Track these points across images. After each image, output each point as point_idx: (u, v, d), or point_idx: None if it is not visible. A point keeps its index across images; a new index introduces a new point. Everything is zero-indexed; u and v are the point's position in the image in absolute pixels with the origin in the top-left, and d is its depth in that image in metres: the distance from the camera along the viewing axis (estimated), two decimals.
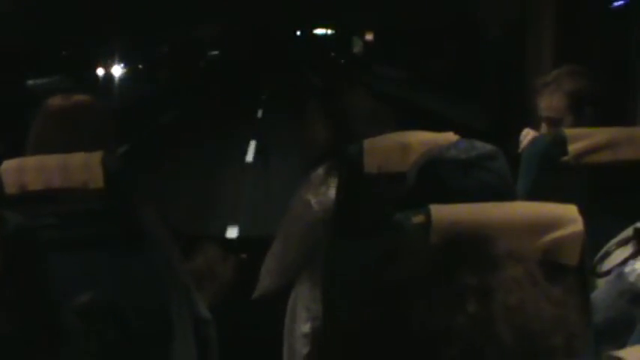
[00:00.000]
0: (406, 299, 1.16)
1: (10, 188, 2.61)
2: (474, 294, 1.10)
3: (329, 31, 54.10)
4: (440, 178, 2.00)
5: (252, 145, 16.30)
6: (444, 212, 1.79)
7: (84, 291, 2.50)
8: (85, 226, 2.63)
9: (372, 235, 2.03)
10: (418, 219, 1.80)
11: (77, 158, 2.61)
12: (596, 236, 2.06)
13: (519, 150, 3.44)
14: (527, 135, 3.45)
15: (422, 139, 2.70)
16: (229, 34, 52.35)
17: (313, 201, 3.02)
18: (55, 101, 2.82)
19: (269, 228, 3.87)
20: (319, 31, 57.22)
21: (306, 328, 3.15)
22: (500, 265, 1.13)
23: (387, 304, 1.20)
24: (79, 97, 2.85)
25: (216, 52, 51.50)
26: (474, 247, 1.18)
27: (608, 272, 2.23)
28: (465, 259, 1.15)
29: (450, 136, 2.68)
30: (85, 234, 2.63)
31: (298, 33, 62.59)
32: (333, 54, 44.81)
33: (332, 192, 2.99)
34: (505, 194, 1.95)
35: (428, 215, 1.78)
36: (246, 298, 3.47)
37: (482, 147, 2.03)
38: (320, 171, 3.08)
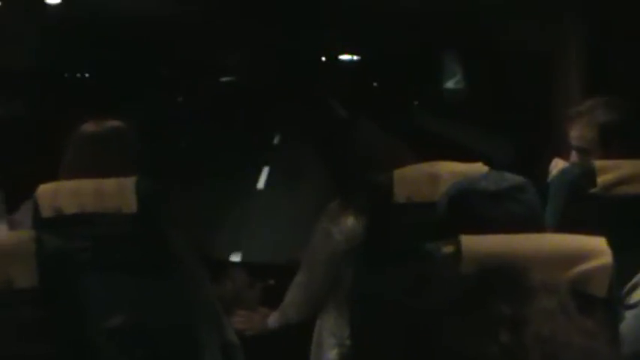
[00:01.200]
0: (437, 328, 1.16)
1: (46, 211, 2.66)
2: (507, 324, 1.10)
3: (355, 57, 53.06)
4: (470, 209, 2.01)
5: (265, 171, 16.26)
6: (474, 242, 1.80)
7: (115, 312, 2.55)
8: (118, 249, 2.67)
9: (401, 263, 2.06)
10: (448, 249, 1.81)
11: (111, 183, 2.66)
12: (625, 268, 2.07)
13: (548, 180, 3.44)
14: (557, 165, 3.44)
15: (451, 169, 2.72)
16: (251, 59, 52.12)
17: (334, 230, 3.05)
18: (89, 127, 2.86)
19: None
20: (345, 57, 56.45)
21: (332, 354, 3.17)
22: (535, 296, 1.13)
23: (417, 332, 1.20)
24: (112, 123, 2.90)
25: (230, 78, 50.34)
26: (508, 277, 1.18)
27: (636, 304, 2.23)
28: (499, 289, 1.15)
29: (480, 167, 2.70)
30: (117, 257, 2.67)
31: (323, 59, 62.14)
32: (358, 82, 43.93)
33: (352, 221, 3.01)
34: (534, 225, 1.96)
35: (458, 245, 1.79)
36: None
37: (512, 178, 2.05)
38: (339, 201, 3.11)
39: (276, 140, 23.28)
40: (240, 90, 45.00)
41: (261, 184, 15.23)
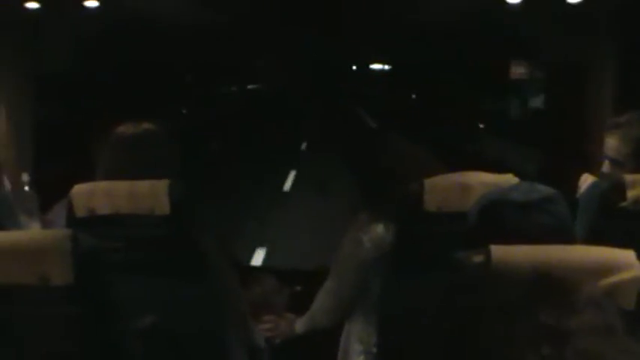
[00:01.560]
0: (473, 337, 1.15)
1: (80, 211, 2.69)
2: (550, 337, 1.07)
3: (386, 67, 52.26)
4: (500, 219, 2.02)
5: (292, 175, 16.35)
6: (504, 253, 1.81)
7: (145, 313, 2.58)
8: (149, 250, 2.70)
9: (431, 272, 2.07)
10: (478, 259, 1.82)
11: (145, 185, 2.69)
12: None
13: (578, 195, 3.44)
14: (586, 180, 3.44)
15: (482, 179, 2.72)
16: (281, 67, 51.87)
17: (365, 238, 3.06)
18: (125, 129, 2.90)
19: None
20: (376, 66, 55.72)
21: None
22: (580, 310, 1.11)
23: (449, 341, 1.20)
24: (147, 125, 2.93)
25: (255, 86, 49.58)
26: (553, 288, 1.15)
27: None
28: (542, 300, 1.12)
29: (510, 178, 2.70)
30: (148, 258, 2.69)
31: (354, 68, 61.68)
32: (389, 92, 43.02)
33: (381, 229, 3.03)
34: (564, 237, 1.97)
35: (488, 255, 1.81)
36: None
37: (543, 190, 2.06)
38: (370, 209, 3.12)
39: (303, 147, 23.27)
40: (268, 97, 44.97)
41: (287, 189, 15.37)
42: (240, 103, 36.59)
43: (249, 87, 43.95)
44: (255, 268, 4.33)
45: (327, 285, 3.27)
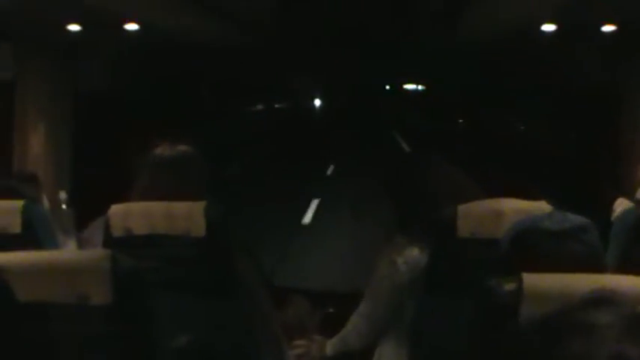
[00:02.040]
0: None
1: (117, 231, 2.73)
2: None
3: (419, 87, 51.51)
4: (533, 247, 2.03)
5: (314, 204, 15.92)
6: (535, 281, 1.83)
7: (180, 333, 2.61)
8: (185, 271, 2.72)
9: (464, 298, 2.08)
10: (510, 286, 1.83)
11: (181, 206, 2.72)
12: None
13: (612, 218, 3.43)
14: (621, 204, 3.44)
15: (515, 206, 2.73)
16: (312, 86, 51.65)
17: (400, 261, 3.06)
18: (161, 150, 2.94)
19: None
20: (409, 86, 54.98)
21: None
22: (608, 337, 1.09)
23: None
24: (182, 147, 2.96)
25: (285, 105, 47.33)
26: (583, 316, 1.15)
27: None
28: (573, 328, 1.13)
29: (543, 205, 2.70)
30: (184, 278, 2.71)
31: (387, 87, 61.27)
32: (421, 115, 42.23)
33: (417, 253, 3.03)
34: (595, 266, 1.98)
35: (520, 283, 1.82)
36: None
37: (575, 219, 2.07)
38: (406, 233, 3.13)
39: (329, 171, 23.07)
40: (296, 117, 44.76)
41: (310, 214, 15.15)
42: (268, 122, 36.40)
43: (277, 106, 43.30)
44: (288, 289, 4.33)
45: (361, 307, 3.28)
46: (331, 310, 4.15)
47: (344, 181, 19.35)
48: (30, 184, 3.78)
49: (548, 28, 6.61)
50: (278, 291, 3.94)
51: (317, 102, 55.26)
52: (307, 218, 14.86)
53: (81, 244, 3.65)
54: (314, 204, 16.05)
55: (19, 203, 2.83)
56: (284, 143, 29.58)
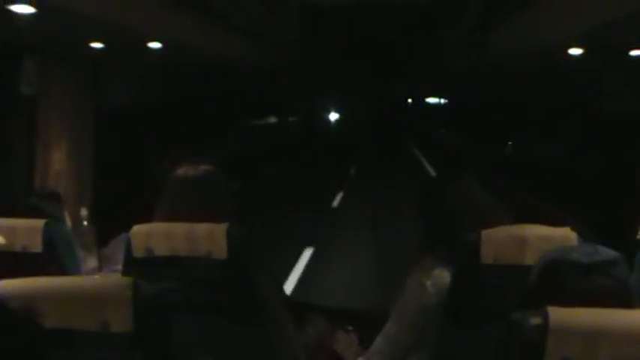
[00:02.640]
0: None
1: (139, 251, 2.73)
2: None
3: (442, 100, 50.83)
4: (561, 280, 2.01)
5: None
6: (561, 316, 1.81)
7: (202, 355, 2.60)
8: (206, 292, 2.71)
9: (486, 325, 2.06)
10: (535, 320, 1.81)
11: (203, 228, 2.71)
12: None
13: (638, 236, 3.40)
14: None
15: (539, 233, 2.70)
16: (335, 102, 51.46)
17: (428, 284, 3.03)
18: (184, 170, 2.93)
19: None
20: (432, 100, 54.31)
21: None
22: None
23: None
24: (206, 167, 2.96)
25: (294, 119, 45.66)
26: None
27: None
28: None
29: (567, 232, 2.68)
30: (205, 300, 2.70)
31: (410, 101, 60.89)
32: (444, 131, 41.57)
33: (445, 275, 3.00)
34: (624, 301, 1.95)
35: (546, 318, 1.80)
36: None
37: (605, 252, 2.04)
38: (434, 255, 3.10)
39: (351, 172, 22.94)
40: (315, 131, 44.61)
41: (335, 221, 15.24)
42: (285, 136, 36.32)
43: (291, 119, 42.89)
44: (308, 307, 4.31)
45: (386, 328, 3.25)
46: (350, 328, 4.13)
47: (364, 196, 19.34)
48: (52, 202, 3.78)
49: (575, 52, 6.59)
50: (298, 309, 3.92)
51: (332, 116, 54.94)
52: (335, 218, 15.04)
53: (102, 261, 3.65)
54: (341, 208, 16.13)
55: (40, 222, 2.83)
56: (299, 158, 29.56)
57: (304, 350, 3.19)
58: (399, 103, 57.57)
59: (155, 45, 6.36)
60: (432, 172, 24.62)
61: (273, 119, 35.24)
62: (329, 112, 54.22)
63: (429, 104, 54.36)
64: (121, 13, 4.98)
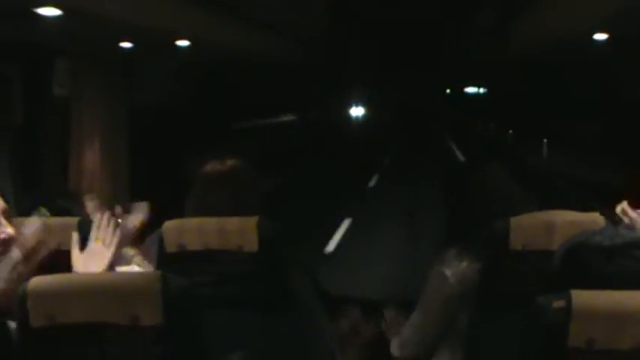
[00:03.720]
0: None
1: (171, 247, 2.76)
2: None
3: (481, 90, 49.66)
4: (583, 264, 2.02)
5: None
6: (585, 298, 1.82)
7: (234, 348, 2.62)
8: (238, 286, 2.73)
9: (516, 312, 2.07)
10: (558, 304, 1.82)
11: (234, 222, 2.73)
12: None
13: None
14: None
15: (567, 218, 2.70)
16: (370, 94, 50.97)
17: (450, 274, 3.05)
18: (212, 166, 2.96)
19: None
20: (470, 89, 53.12)
21: None
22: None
23: None
24: (235, 162, 2.98)
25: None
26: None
27: None
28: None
29: (596, 217, 2.68)
30: (237, 294, 2.72)
31: (448, 91, 60.09)
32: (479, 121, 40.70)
33: (467, 266, 3.01)
34: None
35: (569, 301, 1.81)
36: None
37: (628, 235, 2.04)
38: (456, 246, 3.11)
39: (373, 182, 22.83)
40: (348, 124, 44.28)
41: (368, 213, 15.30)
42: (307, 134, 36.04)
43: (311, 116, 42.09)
44: (341, 299, 4.32)
45: (413, 318, 3.27)
46: (385, 319, 4.13)
47: (396, 187, 19.32)
48: (77, 202, 3.82)
49: (600, 37, 6.55)
50: (331, 301, 3.94)
51: (356, 111, 53.98)
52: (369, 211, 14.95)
53: (140, 256, 3.68)
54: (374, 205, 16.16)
55: (74, 220, 2.87)
56: (328, 153, 29.38)
57: (338, 342, 3.21)
58: (433, 93, 57.05)
59: (183, 43, 6.41)
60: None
61: (291, 116, 34.98)
62: (353, 107, 53.41)
63: (467, 94, 53.30)
64: (147, 12, 5.03)
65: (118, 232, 2.60)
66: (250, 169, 3.00)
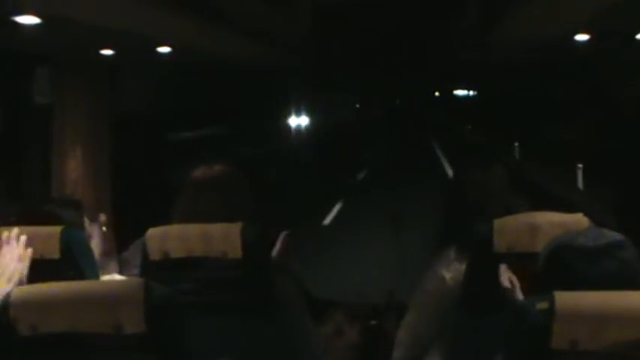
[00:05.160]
0: None
1: (155, 254, 2.74)
2: None
3: (471, 93, 49.52)
4: (566, 265, 2.02)
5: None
6: (567, 300, 1.82)
7: (218, 355, 2.61)
8: (222, 292, 2.72)
9: (499, 313, 2.07)
10: (542, 305, 1.82)
11: (218, 228, 2.72)
12: None
13: None
14: None
15: (551, 220, 2.70)
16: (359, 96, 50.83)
17: (447, 276, 3.03)
18: (199, 172, 2.95)
19: None
20: (460, 92, 52.84)
21: None
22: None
23: None
24: (220, 168, 2.97)
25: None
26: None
27: None
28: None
29: (580, 218, 2.68)
30: (221, 300, 2.71)
31: (437, 94, 59.92)
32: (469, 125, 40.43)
33: (464, 267, 3.00)
34: (631, 284, 1.95)
35: (552, 302, 1.81)
36: None
37: (611, 236, 2.04)
38: (454, 248, 3.11)
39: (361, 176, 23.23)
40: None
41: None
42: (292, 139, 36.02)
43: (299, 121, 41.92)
44: (327, 302, 4.32)
45: (406, 319, 3.26)
46: (373, 322, 4.13)
47: (380, 189, 19.51)
48: (70, 209, 3.80)
49: (582, 37, 6.57)
50: (316, 304, 3.93)
51: (341, 114, 53.71)
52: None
53: (121, 266, 3.67)
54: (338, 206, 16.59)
55: (57, 229, 2.85)
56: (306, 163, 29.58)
57: (323, 346, 3.19)
58: (419, 96, 57.04)
59: (164, 49, 6.40)
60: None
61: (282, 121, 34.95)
62: (340, 111, 53.30)
63: (458, 96, 52.89)
64: (128, 19, 5.02)
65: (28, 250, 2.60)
66: (239, 174, 2.99)
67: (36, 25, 4.10)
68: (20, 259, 2.58)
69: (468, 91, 48.55)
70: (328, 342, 3.71)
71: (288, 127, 34.09)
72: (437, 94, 59.67)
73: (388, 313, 3.67)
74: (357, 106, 51.09)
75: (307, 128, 36.01)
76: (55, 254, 2.80)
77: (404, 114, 52.01)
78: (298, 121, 35.54)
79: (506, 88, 23.33)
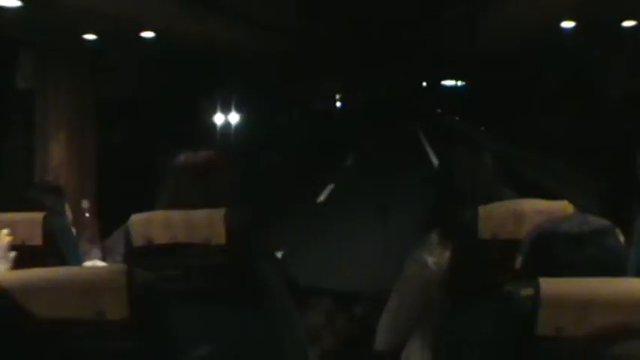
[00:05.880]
0: None
1: (138, 241, 2.73)
2: None
3: (459, 83, 49.34)
4: (550, 251, 2.02)
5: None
6: (552, 286, 1.81)
7: (202, 343, 2.60)
8: (206, 279, 2.71)
9: (485, 301, 2.07)
10: (527, 292, 1.82)
11: (201, 215, 2.71)
12: None
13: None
14: None
15: (536, 207, 2.70)
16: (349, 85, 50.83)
17: (430, 262, 3.03)
18: (184, 158, 2.93)
19: None
20: (448, 82, 52.79)
21: None
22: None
23: None
24: (207, 154, 2.95)
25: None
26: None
27: None
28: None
29: (565, 205, 2.68)
30: (205, 287, 2.71)
31: (424, 84, 59.83)
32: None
33: (448, 253, 3.00)
34: (615, 270, 1.96)
35: (537, 289, 1.81)
36: (360, 352, 3.50)
37: (596, 222, 2.04)
38: (437, 232, 3.10)
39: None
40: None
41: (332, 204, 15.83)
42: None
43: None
44: (312, 291, 4.31)
45: (389, 304, 3.25)
46: (357, 311, 4.12)
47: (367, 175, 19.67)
48: (52, 195, 3.78)
49: (568, 25, 6.57)
50: (301, 293, 3.92)
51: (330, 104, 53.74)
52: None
53: (105, 253, 3.65)
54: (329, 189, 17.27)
55: (39, 215, 2.83)
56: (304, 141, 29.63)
57: (308, 334, 3.19)
58: (406, 87, 57.01)
59: (148, 34, 6.36)
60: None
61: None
62: (328, 100, 53.13)
63: (446, 87, 52.77)
64: (112, 3, 4.98)
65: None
66: (225, 160, 2.97)
67: (18, 9, 4.06)
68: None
69: (456, 81, 48.47)
70: (313, 329, 3.70)
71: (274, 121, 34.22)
72: (424, 84, 59.62)
73: (374, 300, 3.66)
74: (339, 96, 50.91)
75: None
76: (38, 240, 2.79)
77: (391, 104, 51.92)
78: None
79: (494, 78, 23.34)
